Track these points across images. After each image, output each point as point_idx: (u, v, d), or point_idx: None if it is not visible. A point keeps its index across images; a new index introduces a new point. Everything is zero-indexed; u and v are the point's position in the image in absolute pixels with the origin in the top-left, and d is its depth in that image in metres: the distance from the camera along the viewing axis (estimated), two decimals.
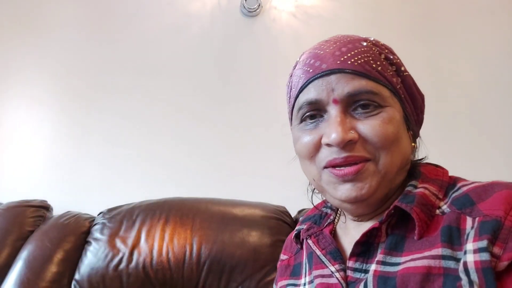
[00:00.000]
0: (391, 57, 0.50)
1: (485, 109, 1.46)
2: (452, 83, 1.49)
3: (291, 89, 0.53)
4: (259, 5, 1.54)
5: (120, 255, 1.04)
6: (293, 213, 1.16)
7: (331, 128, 0.45)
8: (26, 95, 1.58)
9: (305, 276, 0.56)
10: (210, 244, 1.02)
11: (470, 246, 0.38)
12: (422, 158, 0.55)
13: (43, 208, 1.26)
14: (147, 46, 1.58)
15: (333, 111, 0.46)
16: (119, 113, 1.53)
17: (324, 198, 0.59)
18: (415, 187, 0.47)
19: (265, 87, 1.52)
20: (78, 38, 1.60)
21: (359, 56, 0.47)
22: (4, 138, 1.56)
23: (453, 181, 0.48)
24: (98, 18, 1.62)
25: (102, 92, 1.56)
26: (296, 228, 0.62)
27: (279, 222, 1.07)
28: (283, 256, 0.65)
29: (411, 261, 0.41)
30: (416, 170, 0.51)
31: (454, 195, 0.45)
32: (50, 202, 1.32)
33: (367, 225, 0.50)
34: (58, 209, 1.31)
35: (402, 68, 0.51)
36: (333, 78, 0.46)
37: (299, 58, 0.53)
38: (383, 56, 0.49)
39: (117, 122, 1.53)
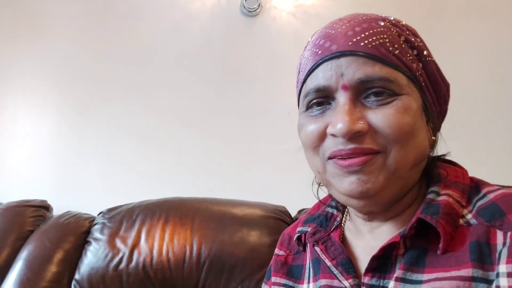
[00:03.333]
0: (413, 39, 0.45)
1: (485, 108, 1.46)
2: (452, 82, 1.49)
3: (299, 72, 0.49)
4: (259, 4, 1.54)
5: (120, 255, 1.04)
6: (293, 213, 1.15)
7: (338, 117, 0.41)
8: (26, 95, 1.58)
9: (309, 282, 0.52)
10: (209, 244, 1.02)
11: (503, 268, 0.34)
12: (444, 155, 0.50)
13: (43, 208, 1.26)
14: (147, 45, 1.58)
15: (342, 98, 0.41)
16: (119, 113, 1.53)
17: (329, 193, 0.53)
18: (438, 194, 0.43)
19: (265, 86, 1.51)
20: (76, 39, 1.60)
21: (374, 38, 0.42)
22: (4, 138, 1.56)
23: (475, 185, 0.44)
24: (97, 18, 1.62)
25: (101, 93, 1.56)
26: (298, 229, 0.56)
27: (279, 222, 1.07)
28: (279, 251, 0.60)
29: (436, 280, 0.38)
30: (434, 171, 0.46)
31: (479, 203, 0.41)
32: (50, 202, 1.32)
33: (382, 231, 0.46)
34: (58, 209, 1.31)
35: (425, 53, 0.45)
36: (343, 61, 0.42)
37: (310, 38, 0.48)
38: (403, 38, 0.44)
39: (117, 122, 1.53)
